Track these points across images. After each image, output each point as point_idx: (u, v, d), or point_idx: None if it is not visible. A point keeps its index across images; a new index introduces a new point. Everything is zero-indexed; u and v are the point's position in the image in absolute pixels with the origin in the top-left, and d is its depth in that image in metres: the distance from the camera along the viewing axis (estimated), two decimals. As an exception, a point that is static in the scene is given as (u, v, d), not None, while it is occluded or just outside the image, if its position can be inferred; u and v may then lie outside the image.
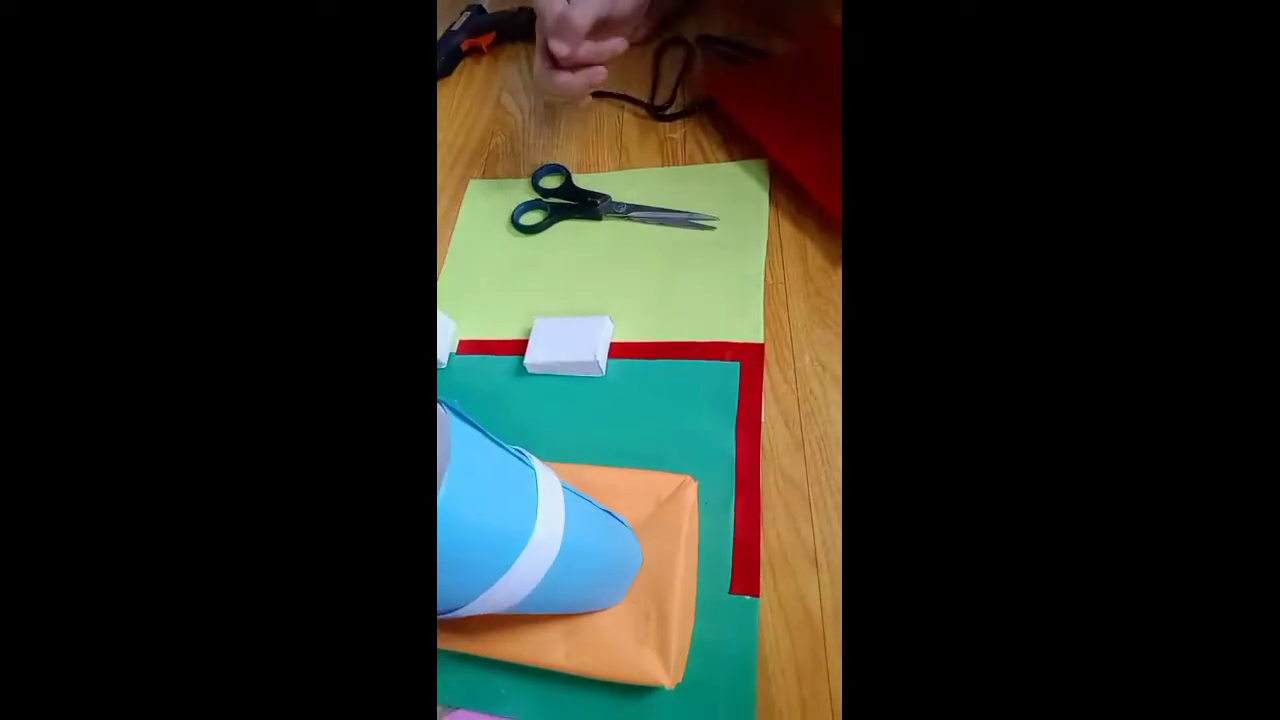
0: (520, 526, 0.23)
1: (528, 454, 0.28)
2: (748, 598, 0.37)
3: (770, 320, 0.47)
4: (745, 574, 0.38)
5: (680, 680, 0.35)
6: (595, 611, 0.36)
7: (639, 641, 0.35)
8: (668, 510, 0.38)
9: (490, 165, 0.64)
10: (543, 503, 0.25)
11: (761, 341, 0.46)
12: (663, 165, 0.57)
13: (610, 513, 0.35)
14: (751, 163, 0.54)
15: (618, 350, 0.49)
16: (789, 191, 0.51)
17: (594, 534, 0.31)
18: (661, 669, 0.34)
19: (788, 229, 0.51)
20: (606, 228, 0.55)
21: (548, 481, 0.26)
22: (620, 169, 0.59)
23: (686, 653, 0.36)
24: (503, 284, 0.55)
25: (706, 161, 0.56)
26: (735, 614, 0.37)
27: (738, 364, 0.45)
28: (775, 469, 0.41)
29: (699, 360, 0.46)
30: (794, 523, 0.40)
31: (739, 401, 0.44)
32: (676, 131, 0.59)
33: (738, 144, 0.56)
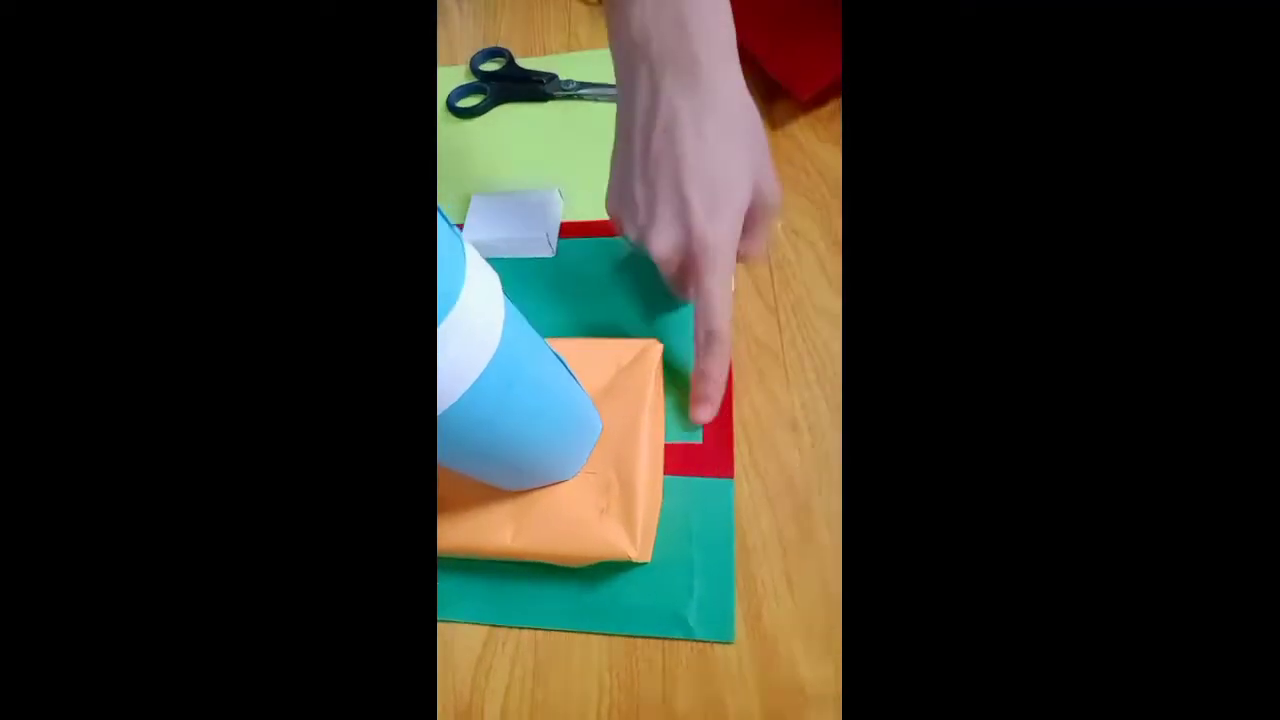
0: (444, 280, 0.18)
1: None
2: (720, 479, 0.33)
3: (736, 190, 0.43)
4: (717, 449, 0.34)
5: (648, 560, 0.31)
6: (547, 486, 0.31)
7: (600, 512, 0.30)
8: (629, 375, 0.34)
9: (423, 57, 0.58)
10: (473, 272, 0.19)
11: (728, 211, 0.42)
12: (615, 47, 0.53)
13: (562, 361, 0.30)
14: (711, 41, 0.50)
15: (569, 230, 0.44)
16: (756, 66, 0.48)
17: (540, 360, 0.26)
18: (627, 540, 0.29)
19: (755, 99, 0.47)
20: (555, 108, 0.50)
21: (479, 262, 0.21)
22: (569, 51, 0.54)
23: (654, 530, 0.32)
24: (440, 167, 0.49)
25: (662, 43, 0.52)
26: (708, 492, 0.33)
27: (703, 234, 0.41)
28: (748, 337, 0.37)
29: (660, 234, 0.42)
30: (769, 389, 0.35)
31: (705, 271, 0.40)
32: (629, 15, 0.55)
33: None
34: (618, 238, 0.42)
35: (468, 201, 0.44)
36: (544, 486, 0.31)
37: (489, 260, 0.22)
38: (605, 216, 0.43)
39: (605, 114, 0.48)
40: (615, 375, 0.34)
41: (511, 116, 0.50)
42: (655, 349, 0.35)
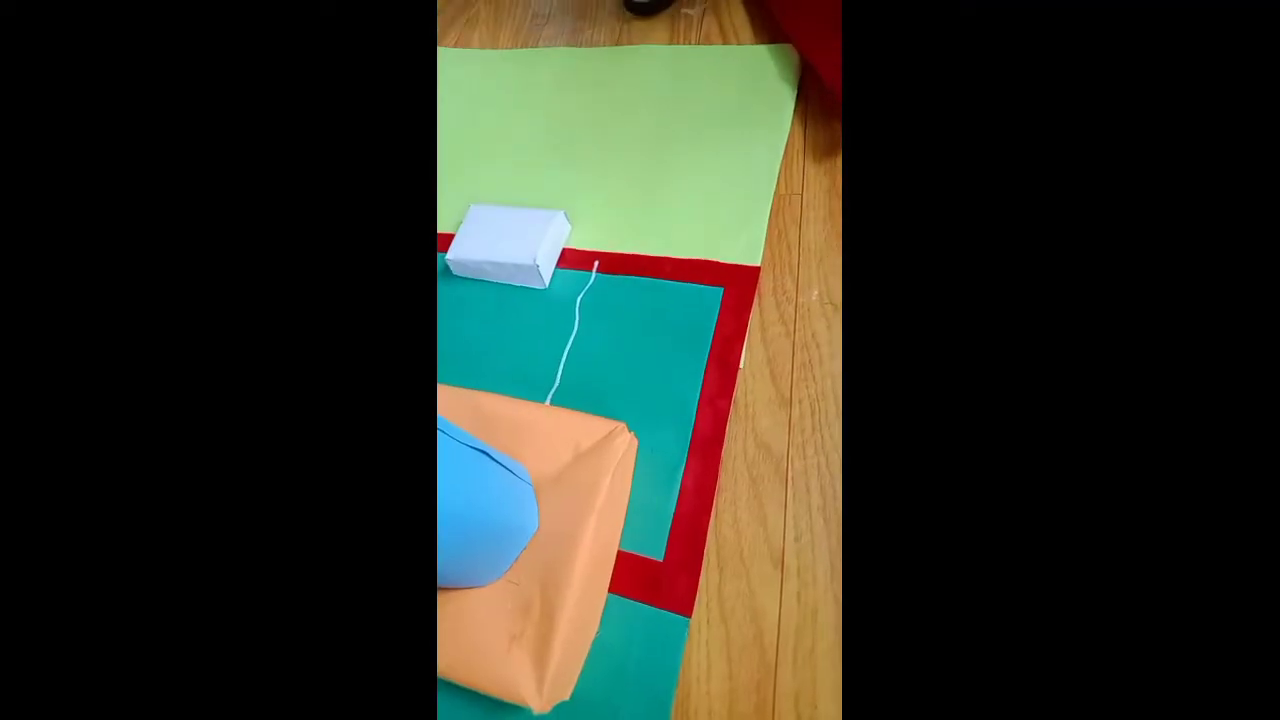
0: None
1: None
2: (674, 615, 0.27)
3: (775, 239, 0.35)
4: (679, 573, 0.27)
5: (564, 699, 0.25)
6: (459, 589, 0.26)
7: (510, 639, 0.24)
8: (585, 464, 0.27)
9: (465, 33, 0.53)
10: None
11: (757, 265, 0.34)
12: (671, 44, 0.45)
13: (497, 457, 0.24)
14: (781, 47, 0.42)
15: (571, 259, 0.37)
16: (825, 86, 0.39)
17: (461, 492, 0.21)
18: (532, 683, 0.24)
19: (817, 130, 0.38)
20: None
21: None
22: (616, 44, 0.47)
23: (578, 665, 0.26)
24: (444, 166, 0.44)
25: (726, 44, 0.44)
26: (656, 628, 0.26)
27: (720, 290, 0.34)
28: (748, 431, 0.30)
29: (670, 281, 0.35)
30: (760, 506, 0.28)
31: (713, 339, 0.33)
32: (694, 6, 0.47)
33: (768, 28, 0.44)
34: (623, 276, 0.36)
35: (468, 209, 0.39)
36: (453, 589, 0.26)
37: (473, 283, 0.17)
38: (613, 249, 0.37)
39: (642, 118, 0.42)
40: (570, 462, 0.28)
41: (541, 112, 0.44)
42: (623, 437, 0.28)
